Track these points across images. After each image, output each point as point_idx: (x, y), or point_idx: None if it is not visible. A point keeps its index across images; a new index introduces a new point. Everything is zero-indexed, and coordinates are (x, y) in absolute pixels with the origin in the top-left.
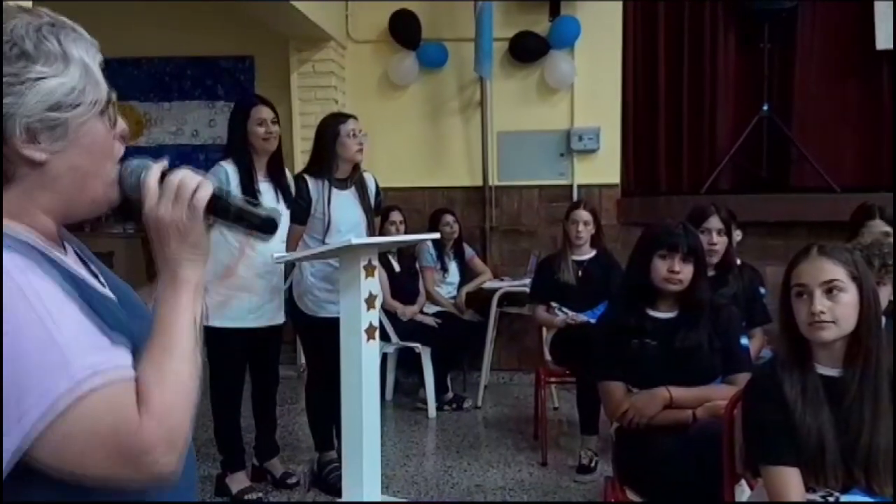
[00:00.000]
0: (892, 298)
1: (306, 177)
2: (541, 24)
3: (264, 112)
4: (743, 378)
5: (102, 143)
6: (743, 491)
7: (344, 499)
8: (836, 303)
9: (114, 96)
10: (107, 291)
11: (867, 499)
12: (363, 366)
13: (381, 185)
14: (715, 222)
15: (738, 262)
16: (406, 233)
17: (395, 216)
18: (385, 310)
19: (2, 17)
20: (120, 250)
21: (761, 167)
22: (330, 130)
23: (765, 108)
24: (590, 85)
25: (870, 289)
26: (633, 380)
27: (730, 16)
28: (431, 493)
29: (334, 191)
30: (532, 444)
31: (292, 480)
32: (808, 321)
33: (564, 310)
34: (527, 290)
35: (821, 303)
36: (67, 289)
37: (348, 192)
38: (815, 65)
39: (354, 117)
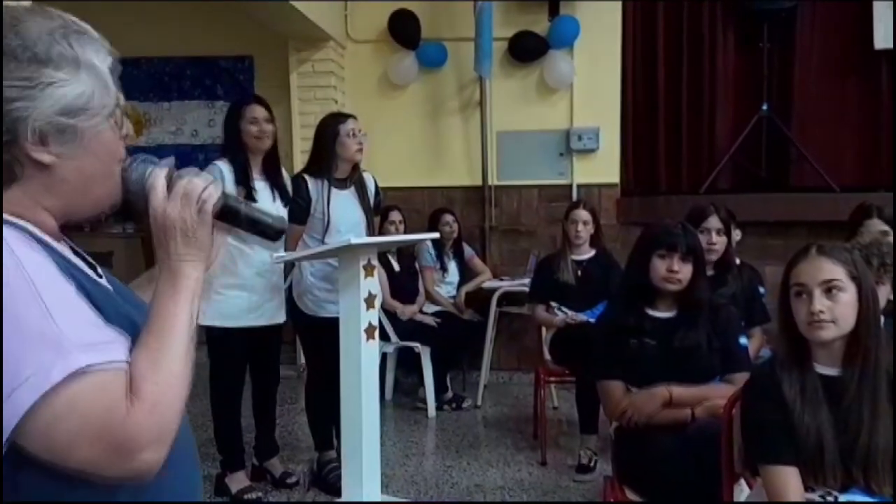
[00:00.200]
0: (890, 298)
1: (306, 176)
2: (540, 24)
3: (257, 111)
4: (742, 378)
5: (109, 147)
6: (742, 490)
7: (343, 498)
8: (835, 302)
9: (122, 100)
10: (103, 281)
11: (866, 498)
12: (363, 365)
13: (381, 184)
14: (714, 222)
15: (738, 261)
16: (405, 232)
17: (395, 216)
18: (385, 309)
19: (1, 17)
20: (119, 250)
21: (761, 167)
22: (329, 130)
23: (764, 107)
24: (589, 84)
25: (869, 288)
26: (632, 379)
27: (729, 15)
28: (431, 492)
29: (334, 190)
30: (531, 444)
31: (292, 480)
32: (808, 321)
33: (564, 309)
34: (526, 289)
35: (820, 302)
36: (65, 269)
37: (348, 192)
38: (815, 64)
39: (354, 117)
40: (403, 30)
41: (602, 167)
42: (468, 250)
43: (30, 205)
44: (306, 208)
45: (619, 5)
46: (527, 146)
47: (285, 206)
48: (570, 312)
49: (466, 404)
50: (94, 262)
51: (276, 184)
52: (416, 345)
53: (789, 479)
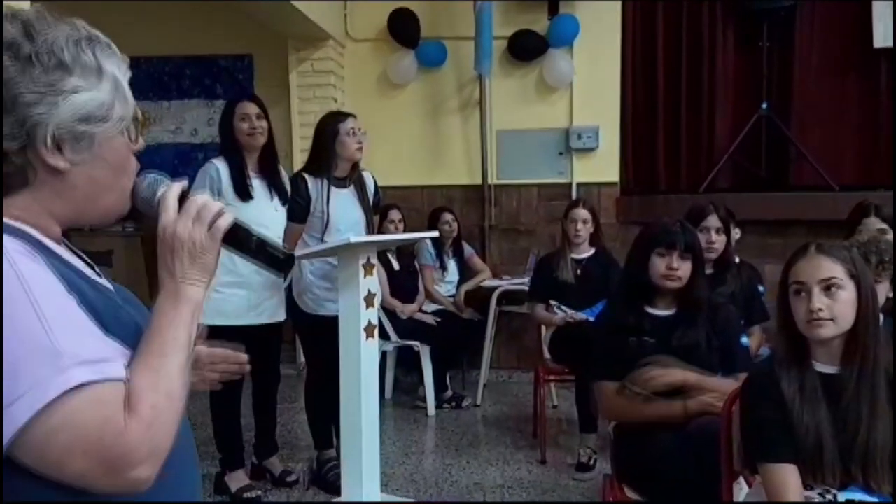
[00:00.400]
0: (889, 295)
1: (305, 175)
2: (540, 23)
3: (248, 107)
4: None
5: (122, 158)
6: (741, 488)
7: (343, 497)
8: (834, 300)
9: (139, 113)
10: (103, 281)
11: (865, 496)
12: (362, 364)
13: (380, 183)
14: (713, 221)
15: (737, 260)
16: (405, 231)
17: (394, 215)
18: (384, 308)
19: (1, 16)
20: (119, 249)
21: (760, 166)
22: (329, 129)
23: (763, 106)
24: (589, 83)
25: (868, 286)
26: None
27: (728, 15)
28: (430, 491)
29: (333, 189)
30: (531, 443)
31: (291, 479)
32: (807, 319)
33: (563, 308)
34: (526, 288)
35: (819, 300)
36: (69, 278)
37: (347, 191)
38: (814, 63)
39: (354, 116)
40: (403, 29)
41: (601, 166)
42: (468, 249)
43: (38, 211)
44: (306, 207)
45: (618, 4)
46: (526, 145)
47: (283, 204)
48: (569, 311)
49: (466, 403)
50: (91, 263)
51: (272, 182)
52: (416, 343)
53: (788, 477)
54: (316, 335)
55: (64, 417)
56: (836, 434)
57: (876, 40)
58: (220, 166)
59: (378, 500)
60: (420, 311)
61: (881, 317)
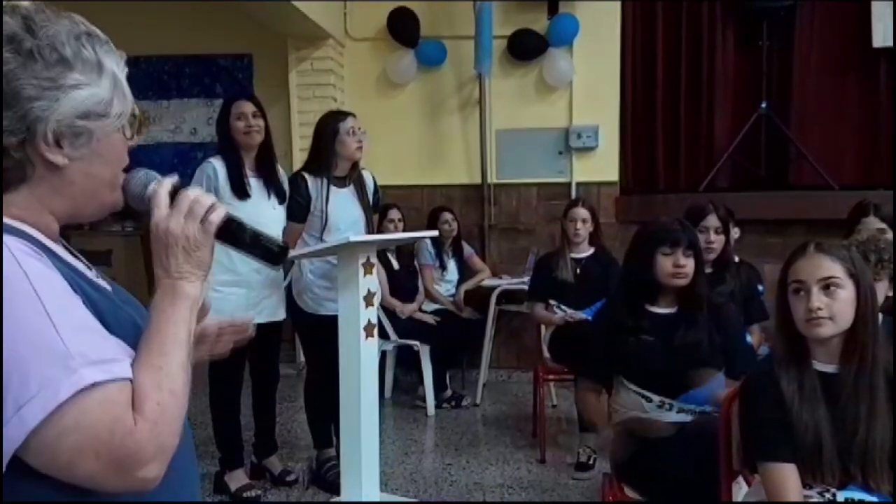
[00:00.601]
0: (888, 294)
1: (305, 175)
2: (539, 22)
3: (244, 106)
4: None
5: (119, 154)
6: (741, 488)
7: (342, 496)
8: (833, 299)
9: (136, 109)
10: (101, 281)
11: (864, 495)
12: (362, 363)
13: (380, 183)
14: (713, 220)
15: (736, 259)
16: (404, 231)
17: (394, 214)
18: (384, 307)
19: (1, 16)
20: (118, 248)
21: (759, 165)
22: (329, 128)
23: (763, 106)
24: (588, 83)
25: (867, 285)
26: (632, 376)
27: (728, 14)
28: (430, 490)
29: (333, 189)
30: (530, 442)
31: (291, 478)
32: (806, 318)
33: (563, 307)
34: (525, 287)
35: (818, 299)
36: (71, 278)
37: (347, 191)
38: (814, 63)
39: (353, 115)
40: (402, 28)
41: (601, 165)
42: (467, 248)
43: (36, 207)
44: (306, 206)
45: (618, 4)
46: (526, 144)
47: (280, 203)
48: (568, 310)
49: (465, 402)
50: (88, 263)
51: (270, 181)
52: (416, 343)
53: (788, 476)
54: (315, 334)
55: (75, 418)
56: (835, 433)
57: (875, 40)
58: (217, 165)
59: (377, 499)
60: (420, 310)
61: (880, 316)
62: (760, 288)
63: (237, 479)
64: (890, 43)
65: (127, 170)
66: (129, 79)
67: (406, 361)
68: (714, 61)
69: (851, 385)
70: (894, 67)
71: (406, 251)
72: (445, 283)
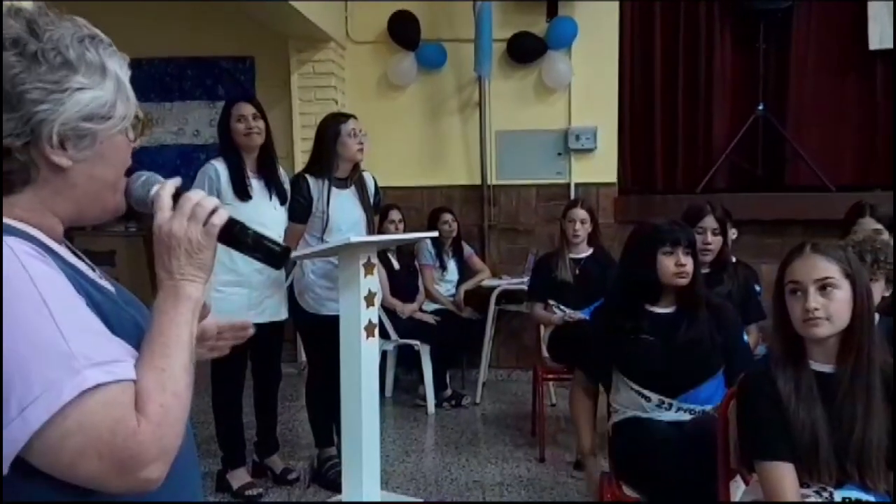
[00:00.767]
0: (884, 294)
1: (307, 176)
2: (538, 25)
3: (244, 108)
4: None
5: (122, 156)
6: (738, 486)
7: (343, 495)
8: (829, 299)
9: (140, 112)
10: (104, 282)
11: (861, 494)
12: (363, 363)
13: (380, 184)
14: (710, 221)
15: (734, 260)
16: (405, 231)
17: (394, 215)
18: (384, 307)
19: (1, 16)
20: (121, 249)
21: (757, 166)
22: (331, 130)
23: (760, 107)
24: (587, 85)
25: (863, 286)
26: (631, 376)
27: (726, 16)
28: (430, 488)
29: (334, 190)
30: (530, 441)
31: (292, 476)
32: (802, 318)
33: (562, 307)
34: (525, 287)
35: (815, 300)
36: (74, 279)
37: (348, 192)
38: (811, 64)
39: (355, 117)
40: (403, 31)
41: (600, 166)
42: (467, 249)
43: (40, 209)
44: (307, 207)
45: (616, 6)
46: (525, 146)
47: (282, 204)
48: (568, 310)
49: (465, 402)
50: (91, 264)
51: (271, 182)
52: (416, 343)
53: (785, 475)
54: (317, 334)
55: (78, 419)
56: (831, 432)
57: (872, 42)
58: (218, 167)
59: (378, 497)
60: (420, 310)
61: (876, 316)
62: (758, 288)
63: (239, 477)
64: (886, 44)
65: (129, 172)
66: (132, 81)
67: (406, 361)
68: (712, 63)
69: (848, 385)
70: (891, 69)
71: (406, 251)
72: (445, 284)
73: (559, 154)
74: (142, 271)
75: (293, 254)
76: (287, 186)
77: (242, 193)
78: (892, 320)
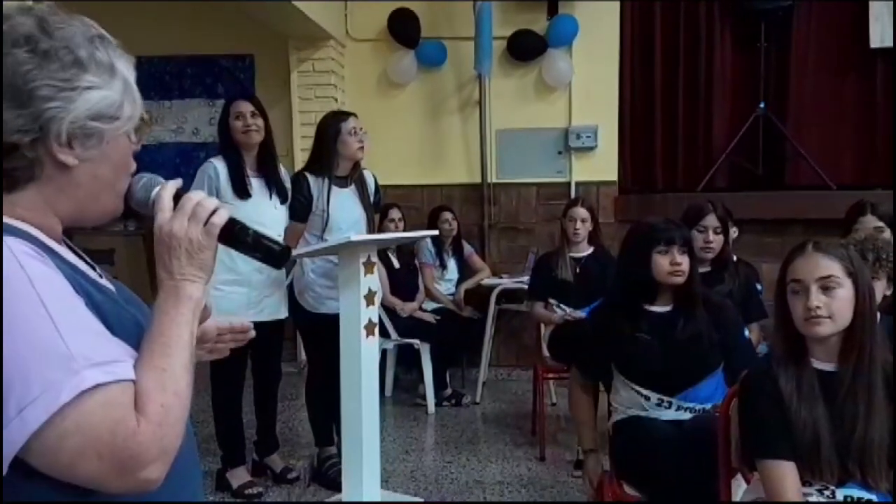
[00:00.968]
0: (886, 293)
1: (307, 174)
2: (539, 23)
3: (242, 106)
4: None
5: (125, 158)
6: (739, 485)
7: (343, 494)
8: (831, 298)
9: (146, 114)
10: (104, 281)
11: (863, 493)
12: (363, 362)
13: (380, 182)
14: (712, 220)
15: (735, 259)
16: (405, 230)
17: (394, 214)
18: (384, 306)
19: (1, 16)
20: (121, 248)
21: (757, 165)
22: (331, 128)
23: (761, 106)
24: (587, 83)
25: (865, 284)
26: (631, 375)
27: (726, 15)
28: (430, 487)
29: (334, 188)
30: (530, 440)
31: (292, 475)
32: (804, 316)
33: (562, 306)
34: (525, 286)
35: (817, 298)
36: (74, 279)
37: (348, 190)
38: (811, 63)
39: (355, 115)
40: (403, 29)
41: (600, 165)
42: (467, 248)
43: (41, 208)
44: (307, 206)
45: (617, 5)
46: (525, 144)
47: (282, 203)
48: (568, 309)
49: (465, 401)
50: (92, 263)
51: (271, 180)
52: (416, 342)
53: (786, 473)
54: (317, 333)
55: (77, 420)
56: (833, 431)
57: (873, 40)
58: (218, 165)
59: (378, 496)
60: (420, 309)
61: (878, 315)
62: (758, 287)
63: (239, 476)
64: (887, 43)
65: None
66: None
67: (406, 360)
68: (712, 62)
69: (850, 383)
70: (891, 68)
71: (406, 250)
72: (445, 282)
73: (559, 153)
74: (141, 270)
75: (293, 252)
76: (288, 185)
77: (242, 192)
78: (893, 319)
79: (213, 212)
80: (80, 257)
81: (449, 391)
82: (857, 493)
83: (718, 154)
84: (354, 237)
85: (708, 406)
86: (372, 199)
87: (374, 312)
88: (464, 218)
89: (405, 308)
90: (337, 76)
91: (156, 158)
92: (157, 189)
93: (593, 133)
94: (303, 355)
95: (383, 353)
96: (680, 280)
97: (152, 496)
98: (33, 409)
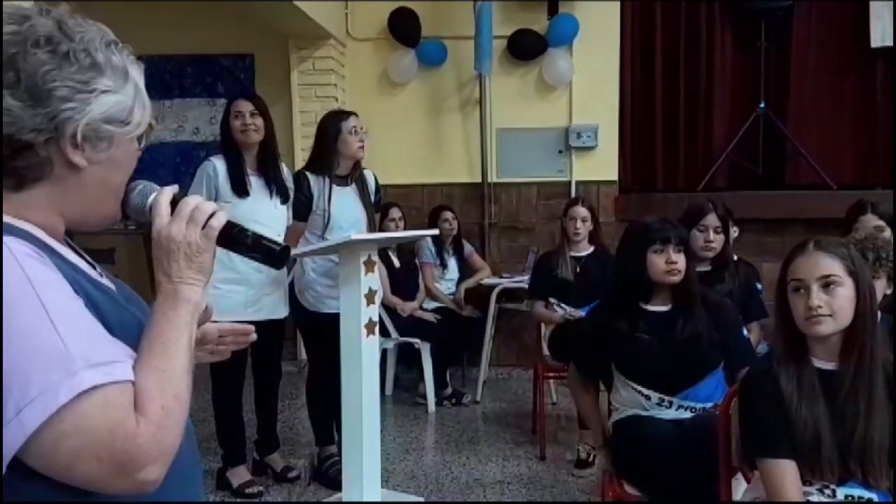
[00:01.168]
0: (887, 292)
1: (307, 173)
2: (539, 22)
3: (242, 105)
4: None
5: (130, 164)
6: (740, 484)
7: (343, 493)
8: (832, 297)
9: (154, 121)
10: (104, 281)
11: (863, 492)
12: (363, 361)
13: (381, 181)
14: (712, 220)
15: (735, 258)
16: (405, 229)
17: (395, 213)
18: (385, 305)
19: (1, 17)
20: (121, 247)
21: (758, 165)
22: (332, 128)
23: (761, 105)
24: (588, 83)
25: (866, 283)
26: (631, 375)
27: (726, 14)
28: (431, 487)
29: (335, 188)
30: (530, 439)
31: (293, 474)
32: (805, 315)
33: (563, 306)
34: (525, 286)
35: (818, 297)
36: (74, 279)
37: (349, 189)
38: (812, 63)
39: (356, 114)
40: (403, 28)
41: (600, 165)
42: (468, 247)
43: (46, 207)
44: (308, 205)
45: (617, 4)
46: (526, 143)
47: (283, 202)
48: (568, 309)
49: (466, 400)
50: (93, 262)
51: (272, 179)
52: (416, 341)
53: (787, 472)
54: (317, 332)
55: (75, 421)
56: (833, 430)
57: (873, 40)
58: (217, 164)
59: (378, 496)
60: (420, 308)
61: (879, 313)
62: (759, 286)
63: (239, 475)
64: (888, 43)
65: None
66: None
67: (407, 359)
68: (712, 61)
69: (850, 382)
70: (892, 67)
71: (407, 249)
72: (446, 282)
73: (560, 152)
74: (142, 269)
75: (294, 251)
76: (290, 185)
77: (240, 190)
78: (894, 318)
79: (212, 215)
80: (81, 256)
81: (449, 390)
82: (857, 492)
83: (719, 153)
84: (355, 236)
85: (708, 405)
86: (372, 198)
87: (374, 311)
88: (464, 217)
89: (405, 307)
90: (337, 75)
91: (156, 157)
92: (153, 195)
93: (594, 132)
94: (303, 354)
95: (384, 352)
96: (676, 279)
97: (153, 496)
98: (31, 410)
